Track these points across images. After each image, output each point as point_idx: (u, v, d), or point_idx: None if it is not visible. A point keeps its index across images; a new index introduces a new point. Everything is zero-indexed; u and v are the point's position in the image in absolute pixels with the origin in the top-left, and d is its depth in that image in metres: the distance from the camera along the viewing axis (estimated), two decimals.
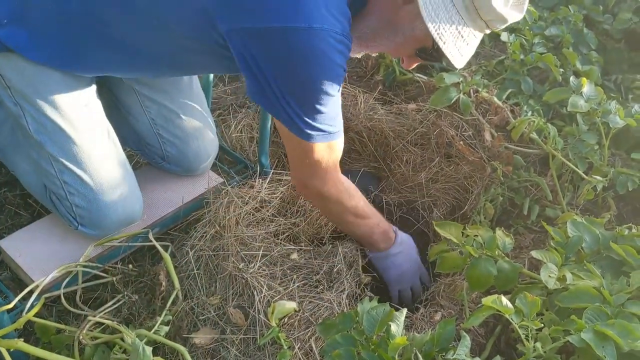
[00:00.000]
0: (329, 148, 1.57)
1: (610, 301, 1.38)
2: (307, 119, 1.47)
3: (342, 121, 1.58)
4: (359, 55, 1.71)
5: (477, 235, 1.60)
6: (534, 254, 1.54)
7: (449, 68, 2.69)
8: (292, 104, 1.44)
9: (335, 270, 1.75)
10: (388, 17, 1.47)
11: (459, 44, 1.42)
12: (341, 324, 1.38)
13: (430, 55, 1.48)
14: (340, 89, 1.48)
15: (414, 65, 1.60)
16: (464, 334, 1.28)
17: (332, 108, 1.49)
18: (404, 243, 1.90)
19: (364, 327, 1.31)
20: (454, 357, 1.24)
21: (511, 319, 1.33)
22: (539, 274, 1.48)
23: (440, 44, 1.39)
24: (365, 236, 1.85)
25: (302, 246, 1.83)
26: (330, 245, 1.84)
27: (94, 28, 1.57)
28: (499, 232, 1.63)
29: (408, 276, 1.90)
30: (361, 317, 1.33)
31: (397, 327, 1.29)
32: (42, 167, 1.74)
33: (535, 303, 1.35)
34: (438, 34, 1.39)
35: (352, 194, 1.76)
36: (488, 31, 1.46)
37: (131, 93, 1.95)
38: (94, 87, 1.76)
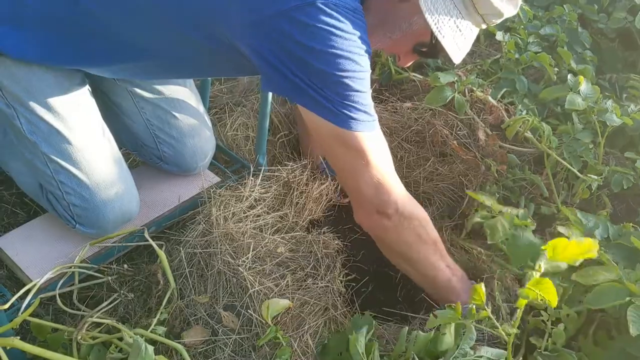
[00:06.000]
0: (381, 141, 1.45)
1: (637, 292, 1.36)
2: (346, 102, 1.35)
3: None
4: None
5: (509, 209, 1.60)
6: (560, 228, 1.55)
7: (445, 67, 2.72)
8: (325, 90, 1.34)
9: (321, 263, 1.74)
10: (385, 14, 1.47)
11: (457, 38, 1.42)
12: (336, 346, 1.42)
13: (428, 50, 1.48)
14: (369, 69, 1.39)
15: (410, 63, 1.59)
16: (470, 325, 1.28)
17: (367, 87, 1.39)
18: None
19: (352, 354, 1.32)
20: (457, 351, 1.24)
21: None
22: None
23: (440, 37, 1.39)
24: (444, 280, 1.57)
25: (288, 237, 1.80)
26: (316, 233, 1.82)
27: (85, 23, 1.57)
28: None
29: None
30: (347, 335, 1.36)
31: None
32: (37, 167, 1.74)
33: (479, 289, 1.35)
34: (437, 27, 1.38)
35: (422, 209, 1.57)
36: (484, 26, 1.46)
37: (125, 95, 1.94)
38: (87, 87, 1.77)
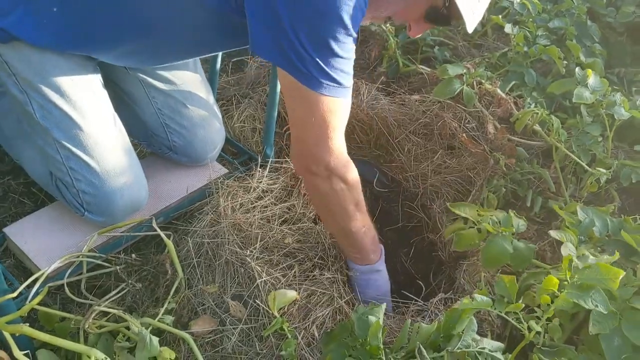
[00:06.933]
0: (339, 107, 1.45)
1: (616, 297, 1.36)
2: (319, 61, 1.35)
3: (352, 81, 1.48)
4: (366, 23, 1.62)
5: (492, 215, 1.61)
6: (552, 233, 1.55)
7: (452, 60, 2.71)
8: (304, 42, 1.33)
9: (328, 254, 1.75)
10: None
11: (471, 0, 1.41)
12: (339, 334, 1.41)
13: (440, 16, 1.46)
14: (358, 34, 1.37)
15: (421, 33, 1.56)
16: (472, 317, 1.28)
17: (348, 53, 1.39)
18: (384, 261, 1.75)
19: (356, 332, 1.32)
20: (459, 342, 1.24)
21: (494, 309, 1.32)
22: (546, 263, 1.48)
23: None
24: (357, 238, 1.65)
25: (295, 228, 1.80)
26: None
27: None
28: (512, 214, 1.63)
29: (383, 300, 1.69)
30: (353, 322, 1.35)
31: (374, 317, 1.31)
32: (48, 154, 1.75)
33: (512, 281, 1.34)
34: None
35: (356, 173, 1.60)
36: None
37: (137, 84, 1.95)
38: (99, 75, 1.77)
